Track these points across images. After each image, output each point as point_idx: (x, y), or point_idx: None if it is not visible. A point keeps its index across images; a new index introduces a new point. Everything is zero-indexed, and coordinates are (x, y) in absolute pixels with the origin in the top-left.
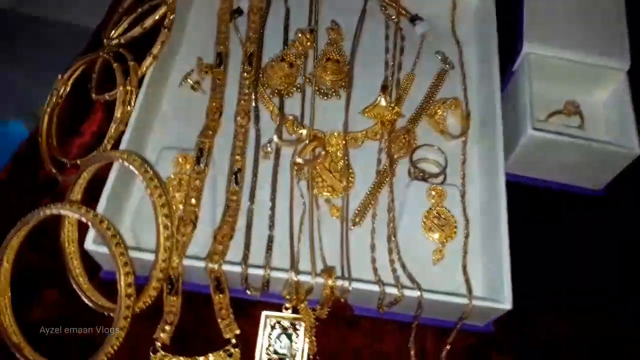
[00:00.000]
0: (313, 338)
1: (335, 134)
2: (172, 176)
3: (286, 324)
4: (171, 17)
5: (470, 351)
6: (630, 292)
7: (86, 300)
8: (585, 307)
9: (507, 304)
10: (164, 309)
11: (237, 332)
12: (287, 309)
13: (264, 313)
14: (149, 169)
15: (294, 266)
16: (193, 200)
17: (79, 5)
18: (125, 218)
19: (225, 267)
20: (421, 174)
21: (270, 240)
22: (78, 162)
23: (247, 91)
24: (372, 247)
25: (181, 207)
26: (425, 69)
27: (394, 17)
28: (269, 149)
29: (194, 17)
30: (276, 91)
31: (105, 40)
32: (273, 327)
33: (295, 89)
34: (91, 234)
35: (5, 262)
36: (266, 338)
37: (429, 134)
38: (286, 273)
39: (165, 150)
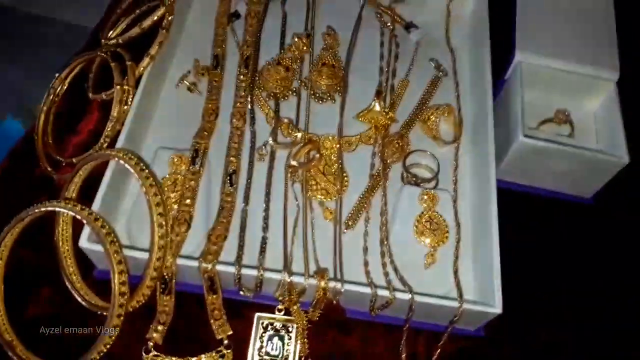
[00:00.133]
0: (305, 340)
1: (330, 137)
2: (167, 176)
3: (279, 325)
4: (169, 18)
5: (461, 355)
6: (617, 298)
7: (79, 299)
8: (575, 313)
9: (497, 308)
10: (157, 308)
11: (230, 333)
12: (280, 310)
13: (257, 314)
14: (144, 168)
15: (286, 267)
16: (188, 201)
17: (77, 4)
18: (120, 217)
19: (219, 267)
20: (414, 179)
21: (264, 241)
22: (74, 160)
23: (243, 93)
24: (365, 250)
25: (176, 207)
26: (419, 76)
27: (389, 24)
28: (264, 151)
29: (192, 20)
30: (272, 94)
31: (103, 40)
32: (265, 329)
33: (290, 92)
34: (86, 232)
35: None
36: (258, 339)
37: (422, 140)
38: (279, 274)
39: (160, 150)
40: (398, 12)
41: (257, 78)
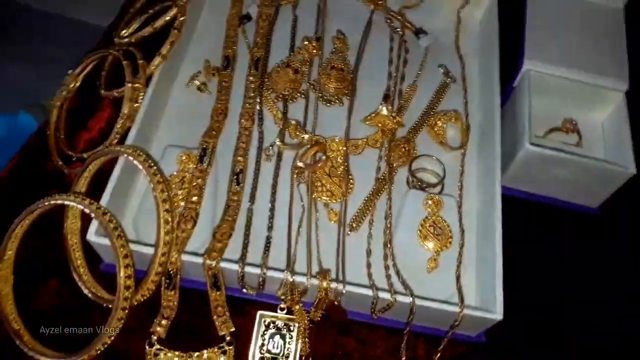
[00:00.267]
0: (306, 339)
1: (337, 140)
2: (175, 174)
3: (280, 324)
4: (181, 18)
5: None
6: (620, 308)
7: (86, 291)
8: (577, 322)
9: (497, 315)
10: (162, 303)
11: (232, 329)
12: (282, 309)
13: (259, 312)
14: (152, 165)
15: (289, 267)
16: (194, 198)
17: (91, 4)
18: (128, 212)
19: (223, 265)
20: (419, 183)
21: (268, 240)
22: (84, 155)
23: (252, 95)
24: (368, 253)
25: (182, 204)
26: (428, 81)
27: (398, 29)
28: (271, 152)
29: (204, 21)
30: (281, 96)
31: (116, 39)
32: (267, 327)
33: (299, 94)
34: (94, 225)
35: (9, 250)
36: (260, 337)
37: (429, 145)
38: (282, 273)
39: (169, 148)
40: (408, 18)
41: (266, 80)
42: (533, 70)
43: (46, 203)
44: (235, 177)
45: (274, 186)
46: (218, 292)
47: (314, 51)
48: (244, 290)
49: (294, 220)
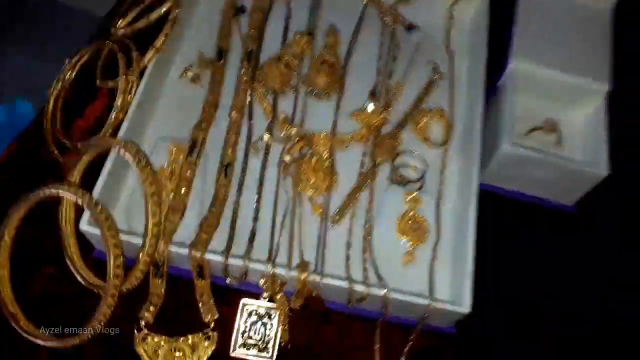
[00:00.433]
0: (286, 327)
1: (323, 134)
2: (166, 166)
3: (262, 311)
4: (176, 11)
5: (432, 350)
6: (592, 300)
7: (79, 278)
8: (550, 314)
9: (465, 308)
10: (150, 290)
11: (216, 316)
12: (264, 298)
13: (243, 300)
14: (142, 158)
15: (270, 259)
16: (183, 190)
17: None
18: (120, 202)
19: (208, 256)
20: (401, 179)
21: (253, 232)
22: (78, 145)
23: (243, 87)
24: (348, 245)
25: (172, 195)
26: (416, 77)
27: (390, 24)
28: (259, 145)
29: (198, 13)
30: (271, 89)
31: (112, 29)
32: (250, 314)
33: (289, 88)
34: (86, 215)
35: (5, 237)
36: (243, 324)
37: (414, 141)
38: (263, 265)
39: (161, 140)
40: (400, 13)
41: (257, 73)
42: (518, 70)
43: (41, 193)
44: (223, 169)
45: (261, 179)
46: (203, 281)
47: (305, 46)
48: (227, 280)
49: (279, 213)
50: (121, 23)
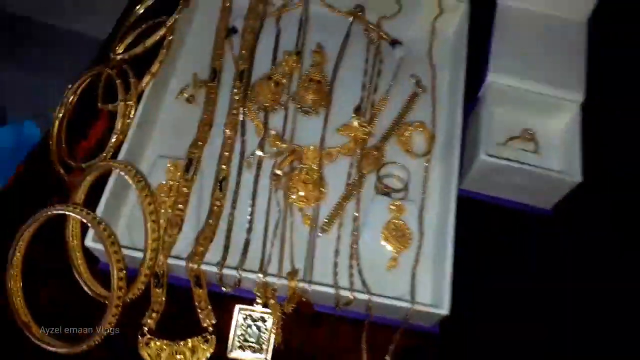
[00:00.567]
0: (279, 330)
1: (312, 148)
2: (164, 183)
3: (256, 316)
4: (169, 38)
5: (416, 349)
6: (568, 300)
7: (85, 288)
8: (528, 315)
9: (444, 310)
10: (152, 299)
11: (214, 321)
12: (258, 303)
13: (238, 306)
14: (141, 179)
15: (262, 268)
16: (180, 205)
17: (89, 16)
18: (122, 219)
19: (204, 267)
20: (386, 189)
21: (247, 243)
22: (82, 166)
23: (236, 106)
24: (336, 253)
25: (170, 211)
26: (400, 91)
27: (375, 40)
28: (252, 161)
29: (193, 35)
30: (262, 107)
31: (111, 55)
32: (245, 319)
33: (279, 105)
34: (91, 232)
35: (17, 252)
36: (239, 328)
37: (398, 153)
38: (255, 275)
39: (159, 158)
40: (385, 29)
41: (249, 92)
42: (496, 82)
43: (49, 212)
44: (218, 184)
45: (254, 192)
46: (201, 290)
47: (294, 64)
48: (223, 289)
49: (271, 224)
50: (119, 48)
